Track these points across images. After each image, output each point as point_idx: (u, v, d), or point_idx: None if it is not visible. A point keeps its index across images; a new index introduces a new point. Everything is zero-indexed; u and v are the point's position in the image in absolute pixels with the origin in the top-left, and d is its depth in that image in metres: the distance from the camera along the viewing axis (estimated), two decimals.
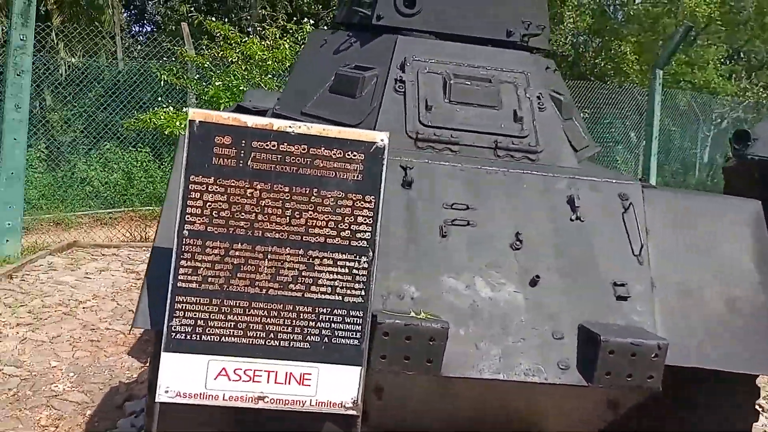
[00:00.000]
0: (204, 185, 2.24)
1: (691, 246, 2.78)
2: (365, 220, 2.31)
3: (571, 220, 2.65)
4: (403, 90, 3.08)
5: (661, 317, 2.60)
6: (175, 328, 2.23)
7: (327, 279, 2.30)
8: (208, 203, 2.25)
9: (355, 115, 3.11)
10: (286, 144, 2.28)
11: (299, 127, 2.30)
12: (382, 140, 2.32)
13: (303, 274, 2.29)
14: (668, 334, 2.56)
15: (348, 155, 2.30)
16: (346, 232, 2.30)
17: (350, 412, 2.31)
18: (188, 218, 2.23)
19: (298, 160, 2.28)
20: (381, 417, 2.76)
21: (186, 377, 2.24)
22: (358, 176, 2.31)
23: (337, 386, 2.30)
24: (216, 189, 2.25)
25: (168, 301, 2.22)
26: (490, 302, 2.54)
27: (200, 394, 2.25)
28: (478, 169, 2.73)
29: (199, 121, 2.25)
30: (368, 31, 3.44)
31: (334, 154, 2.30)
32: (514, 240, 2.61)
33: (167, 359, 2.23)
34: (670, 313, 2.63)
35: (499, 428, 2.85)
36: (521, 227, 2.63)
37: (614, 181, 2.81)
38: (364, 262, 2.31)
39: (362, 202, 2.31)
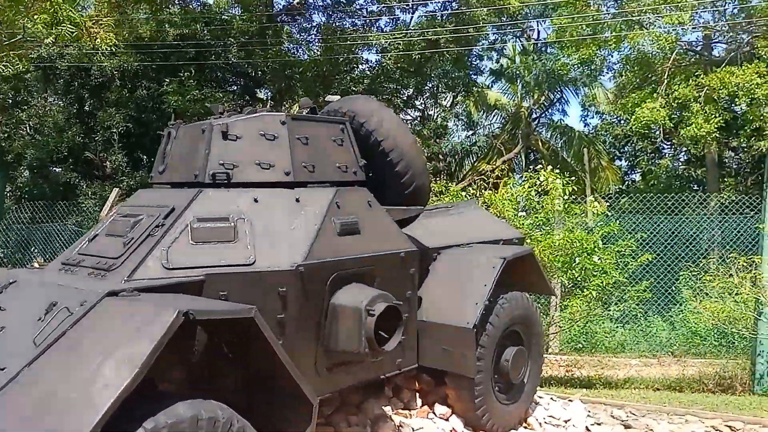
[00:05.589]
0: None
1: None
2: None
3: (38, 319, 3.01)
4: (96, 227, 3.99)
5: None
6: None
7: None
8: None
9: None
10: None
11: None
12: None
13: None
14: None
15: None
16: None
17: None
18: None
19: None
20: None
21: None
22: None
23: None
24: None
25: None
26: None
27: None
28: (48, 282, 3.40)
29: None
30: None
31: None
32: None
33: None
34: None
35: None
36: (12, 321, 3.13)
37: (83, 289, 3.10)
38: None
39: None
